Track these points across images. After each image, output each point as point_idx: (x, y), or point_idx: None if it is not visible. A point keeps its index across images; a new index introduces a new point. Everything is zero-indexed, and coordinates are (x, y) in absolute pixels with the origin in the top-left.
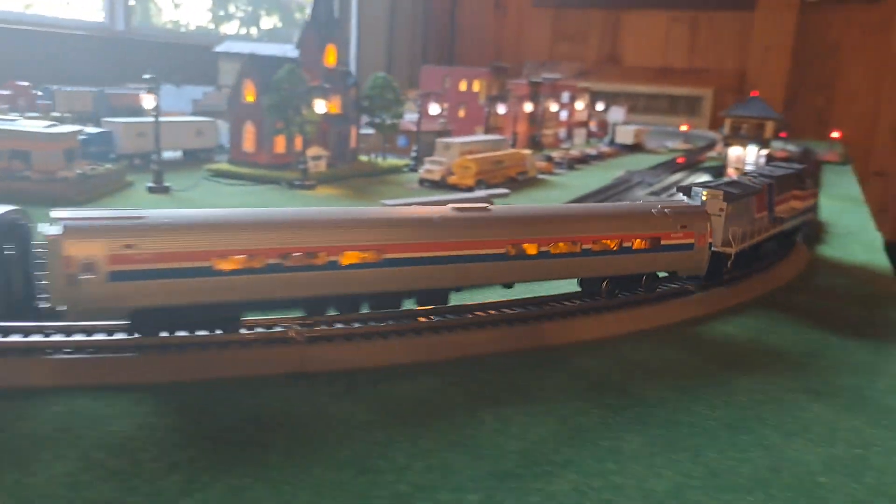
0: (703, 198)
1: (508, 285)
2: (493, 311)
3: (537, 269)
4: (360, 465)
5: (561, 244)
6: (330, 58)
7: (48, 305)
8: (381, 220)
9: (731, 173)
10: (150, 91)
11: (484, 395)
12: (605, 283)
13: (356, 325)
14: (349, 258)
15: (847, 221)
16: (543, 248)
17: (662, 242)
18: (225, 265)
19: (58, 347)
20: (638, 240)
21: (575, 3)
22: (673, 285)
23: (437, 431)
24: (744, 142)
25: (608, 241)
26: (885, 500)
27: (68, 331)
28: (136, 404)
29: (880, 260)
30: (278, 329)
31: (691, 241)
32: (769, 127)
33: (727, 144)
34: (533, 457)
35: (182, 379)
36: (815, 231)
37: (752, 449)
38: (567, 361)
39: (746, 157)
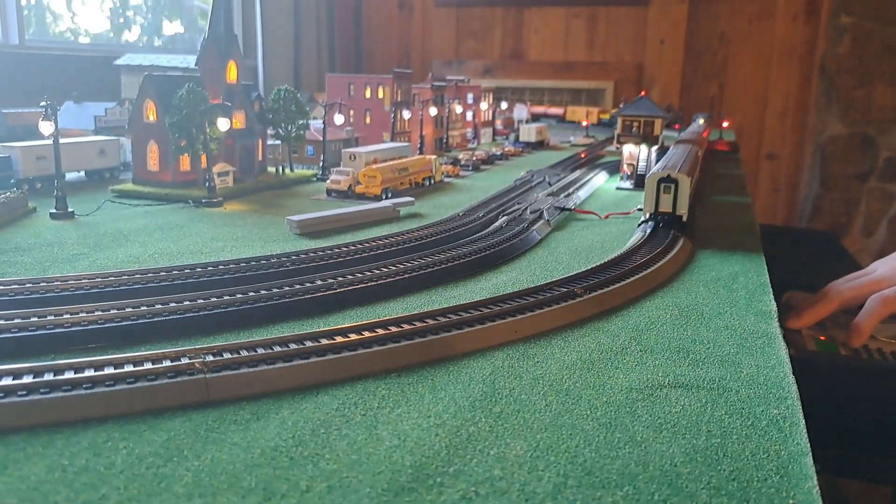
0: None
1: None
2: (390, 328)
3: None
4: (264, 492)
5: None
6: (231, 74)
7: None
8: None
9: (625, 169)
10: (46, 118)
11: (382, 412)
12: None
13: (260, 350)
14: None
15: (730, 211)
16: None
17: None
18: None
19: None
20: None
21: (477, 1)
22: (561, 289)
23: (337, 451)
24: (636, 139)
25: None
26: (735, 485)
27: None
28: (44, 447)
29: (755, 249)
30: (184, 360)
31: None
32: (658, 124)
33: (620, 143)
34: (427, 470)
35: (88, 416)
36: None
37: (625, 446)
38: (460, 373)
39: (639, 153)
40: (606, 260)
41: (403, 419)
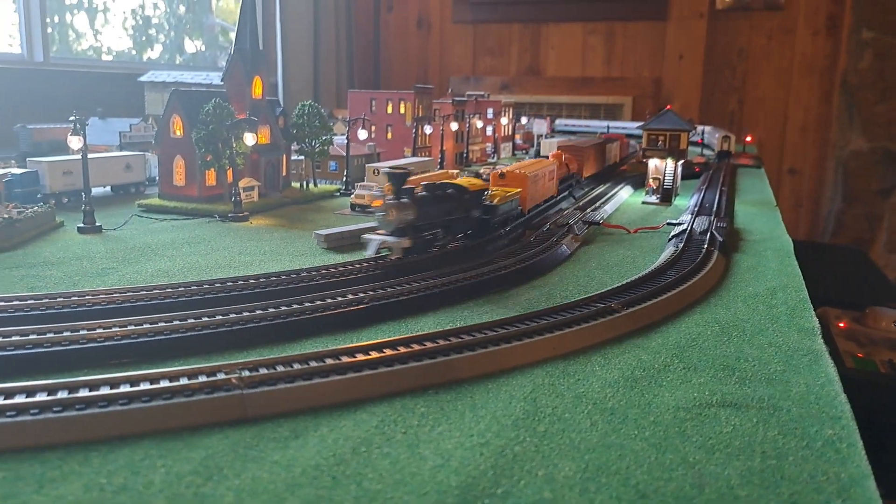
0: None
1: None
2: (426, 344)
3: None
4: None
5: None
6: (257, 89)
7: None
8: None
9: (651, 184)
10: (74, 133)
11: (423, 430)
12: None
13: (296, 365)
14: None
15: (760, 226)
16: None
17: None
18: None
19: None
20: None
21: (494, 18)
22: (598, 305)
23: (379, 471)
24: (661, 153)
25: None
26: None
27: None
28: (80, 465)
29: (790, 265)
30: (220, 376)
31: None
32: (684, 138)
33: (646, 156)
34: (474, 491)
35: (124, 433)
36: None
37: (677, 467)
38: (499, 390)
39: (665, 167)
40: (641, 275)
41: (445, 438)
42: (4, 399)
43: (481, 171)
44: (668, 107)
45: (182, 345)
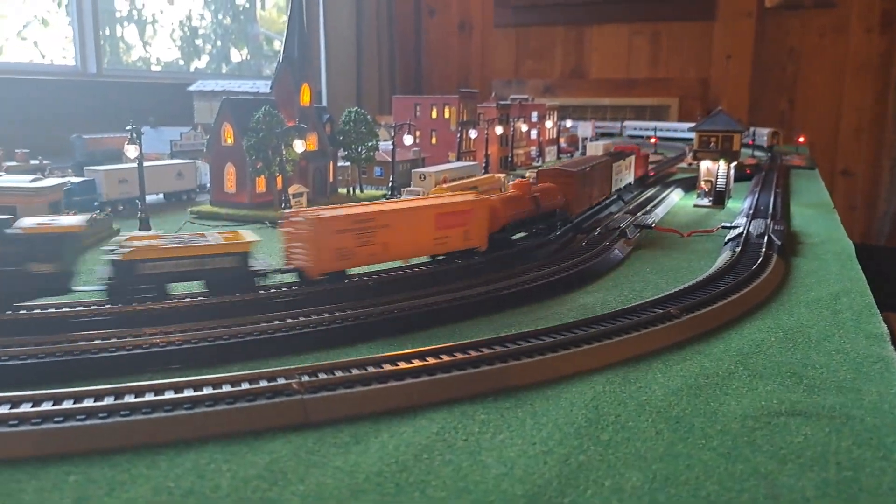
0: None
1: None
2: (482, 350)
3: None
4: None
5: None
6: (305, 97)
7: None
8: None
9: (703, 186)
10: (131, 141)
11: (484, 437)
12: None
13: (354, 370)
14: None
15: (818, 229)
16: None
17: None
18: None
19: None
20: None
21: (536, 21)
22: (656, 310)
23: (443, 478)
24: (713, 155)
25: None
26: None
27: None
28: (148, 468)
29: (852, 269)
30: (280, 381)
31: None
32: (737, 139)
33: (697, 158)
34: (540, 501)
35: (190, 436)
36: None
37: (749, 478)
38: (559, 397)
39: (717, 169)
40: (698, 280)
41: (507, 445)
42: (74, 403)
43: (527, 174)
44: (720, 107)
45: (239, 350)
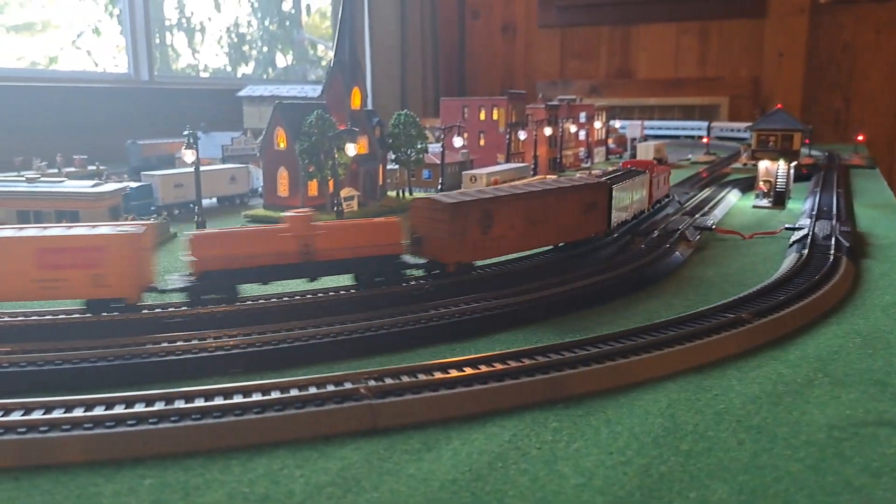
0: None
1: None
2: (550, 356)
3: None
4: None
5: None
6: (356, 100)
7: None
8: None
9: (762, 187)
10: (189, 146)
11: (558, 445)
12: None
13: (421, 376)
14: None
15: (886, 230)
16: None
17: None
18: None
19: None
20: None
21: (581, 21)
22: (726, 314)
23: (520, 488)
24: (773, 155)
25: None
26: None
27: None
28: (222, 472)
29: None
30: (347, 385)
31: None
32: (797, 138)
33: (756, 158)
34: None
35: (261, 441)
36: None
37: (842, 492)
38: (633, 405)
39: (777, 169)
40: (767, 283)
41: (583, 454)
42: (146, 406)
43: (577, 176)
44: (779, 105)
45: (301, 354)
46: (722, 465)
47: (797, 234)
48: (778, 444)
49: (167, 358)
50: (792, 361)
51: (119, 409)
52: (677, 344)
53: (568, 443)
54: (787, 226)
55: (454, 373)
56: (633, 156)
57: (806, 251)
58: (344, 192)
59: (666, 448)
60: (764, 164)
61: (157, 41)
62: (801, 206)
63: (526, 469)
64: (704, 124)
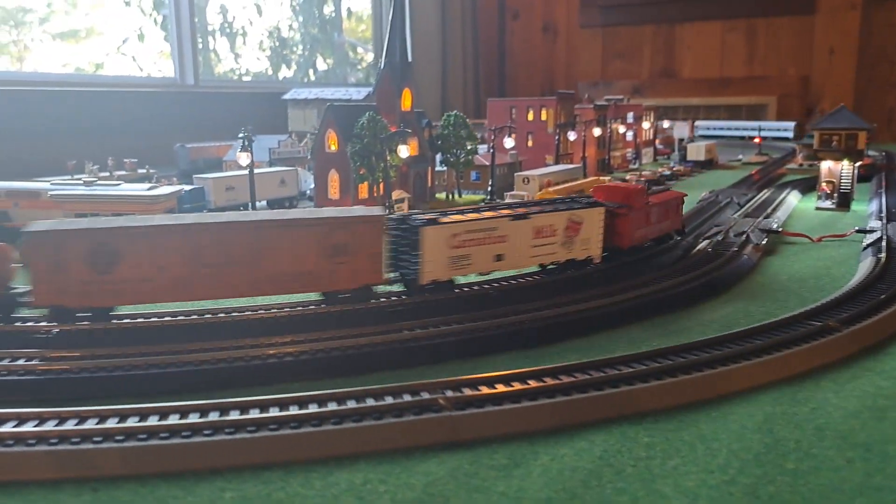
0: None
1: None
2: (633, 366)
3: None
4: None
5: None
6: (406, 101)
7: None
8: None
9: (824, 188)
10: (243, 149)
11: (654, 462)
12: None
13: (499, 386)
14: None
15: None
16: None
17: None
18: None
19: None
20: None
21: (624, 20)
22: (813, 322)
23: None
24: (836, 154)
25: None
26: None
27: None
28: (303, 486)
29: None
30: (424, 395)
31: None
32: (861, 137)
33: (818, 158)
34: None
35: (340, 453)
36: None
37: None
38: (726, 419)
39: (840, 169)
40: (848, 289)
41: (682, 473)
42: (220, 415)
43: (627, 177)
44: (841, 104)
45: (367, 361)
46: (834, 487)
47: (870, 237)
48: (891, 464)
49: (219, 366)
50: (889, 373)
51: (194, 419)
52: (766, 354)
53: (663, 459)
54: (857, 228)
55: (533, 383)
56: (684, 157)
57: (883, 255)
58: (395, 195)
59: (770, 466)
60: (826, 165)
61: (200, 46)
62: (866, 208)
63: (623, 488)
64: (755, 124)
